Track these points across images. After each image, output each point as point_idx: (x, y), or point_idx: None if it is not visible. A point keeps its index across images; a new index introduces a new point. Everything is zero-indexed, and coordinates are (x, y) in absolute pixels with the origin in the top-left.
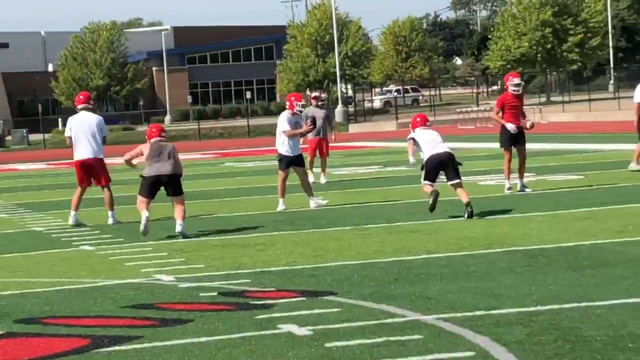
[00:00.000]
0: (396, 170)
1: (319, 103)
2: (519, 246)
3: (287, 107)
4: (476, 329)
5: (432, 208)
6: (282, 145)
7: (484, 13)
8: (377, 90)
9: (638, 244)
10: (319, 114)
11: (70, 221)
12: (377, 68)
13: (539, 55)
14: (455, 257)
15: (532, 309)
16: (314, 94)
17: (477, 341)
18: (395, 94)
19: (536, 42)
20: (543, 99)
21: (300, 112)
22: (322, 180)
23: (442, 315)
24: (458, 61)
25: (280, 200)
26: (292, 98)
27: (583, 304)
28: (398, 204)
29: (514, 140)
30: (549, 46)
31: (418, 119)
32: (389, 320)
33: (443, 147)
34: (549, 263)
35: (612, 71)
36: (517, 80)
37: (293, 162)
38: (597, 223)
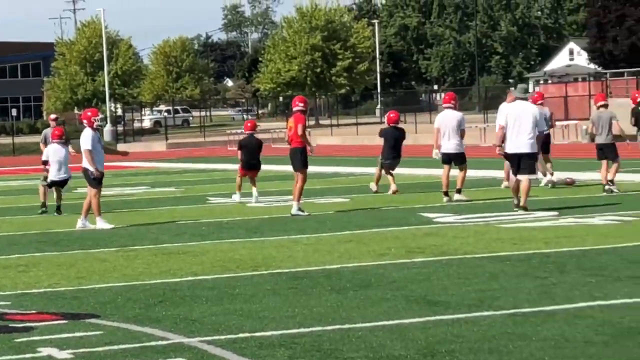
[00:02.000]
0: (164, 191)
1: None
2: (284, 268)
3: (85, 124)
4: (240, 352)
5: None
6: (91, 163)
7: (255, 35)
8: (147, 110)
9: (398, 266)
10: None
11: None
12: (147, 88)
13: (308, 78)
14: (220, 279)
15: (295, 330)
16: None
17: None
18: (166, 114)
19: (306, 66)
20: (312, 122)
21: (100, 127)
22: None
23: (205, 338)
24: (229, 82)
25: (86, 220)
26: (89, 114)
27: (345, 326)
28: (165, 225)
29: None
30: (318, 70)
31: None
32: (152, 343)
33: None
34: (313, 285)
35: (379, 96)
36: None
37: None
38: (360, 246)
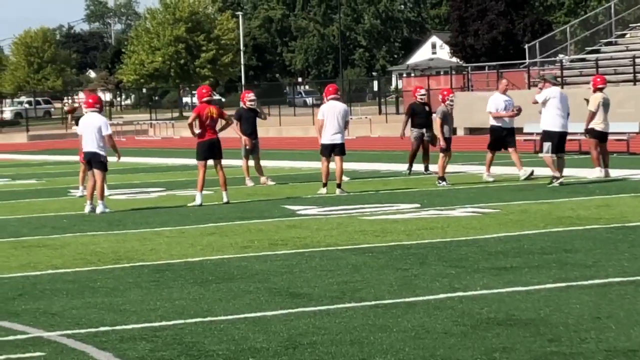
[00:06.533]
0: (25, 183)
1: None
2: (146, 261)
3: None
4: (100, 345)
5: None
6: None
7: (119, 27)
8: (8, 101)
9: (261, 258)
10: None
11: None
12: (8, 79)
13: (172, 70)
14: (82, 272)
15: (157, 324)
16: None
17: (100, 357)
18: (27, 105)
19: (170, 57)
20: (176, 114)
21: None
22: None
23: (66, 332)
24: (92, 74)
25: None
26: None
27: (207, 319)
28: (25, 218)
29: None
30: (182, 62)
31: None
32: (11, 338)
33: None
34: (175, 278)
35: (243, 88)
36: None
37: None
38: (223, 238)
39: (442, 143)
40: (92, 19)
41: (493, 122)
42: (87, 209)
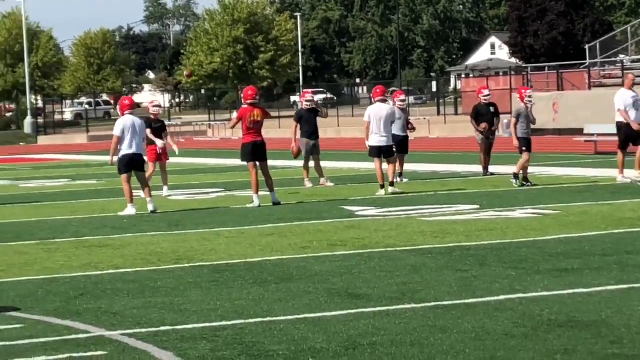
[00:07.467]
0: (85, 183)
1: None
2: (206, 261)
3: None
4: (161, 345)
5: None
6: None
7: (177, 28)
8: (69, 102)
9: (320, 259)
10: None
11: None
12: (68, 80)
13: (230, 71)
14: (142, 272)
15: (217, 324)
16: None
17: (161, 356)
18: (87, 106)
19: (228, 58)
20: (235, 115)
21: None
22: None
23: (127, 331)
24: (151, 75)
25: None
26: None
27: (267, 319)
28: (86, 218)
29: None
30: (240, 63)
31: None
32: (73, 337)
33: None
34: (235, 278)
35: (301, 89)
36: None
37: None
38: (282, 239)
39: (515, 143)
40: (151, 21)
41: (620, 119)
42: (150, 207)
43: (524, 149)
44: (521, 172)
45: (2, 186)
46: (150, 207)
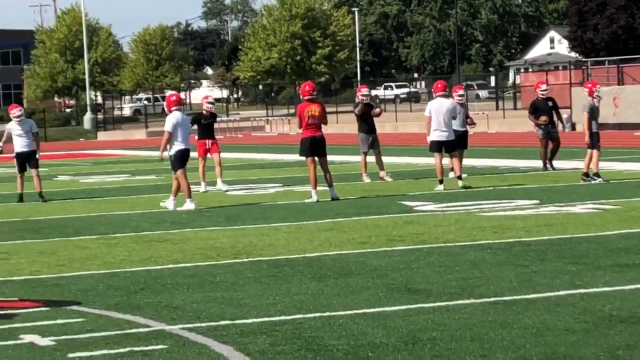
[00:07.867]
0: (145, 179)
1: None
2: (265, 256)
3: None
4: (220, 339)
5: None
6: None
7: (235, 23)
8: (127, 98)
9: (379, 254)
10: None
11: None
12: (127, 75)
13: (288, 66)
14: (201, 266)
15: (276, 318)
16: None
17: (221, 351)
18: (146, 102)
19: (286, 54)
20: (292, 110)
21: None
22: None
23: (187, 325)
24: (209, 71)
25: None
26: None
27: (326, 314)
28: (146, 213)
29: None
30: (298, 58)
31: None
32: (134, 330)
33: None
34: (294, 273)
35: (359, 84)
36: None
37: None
38: (341, 234)
39: (586, 139)
40: (209, 16)
41: None
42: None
43: (599, 144)
44: (591, 167)
45: (62, 181)
46: (191, 206)
